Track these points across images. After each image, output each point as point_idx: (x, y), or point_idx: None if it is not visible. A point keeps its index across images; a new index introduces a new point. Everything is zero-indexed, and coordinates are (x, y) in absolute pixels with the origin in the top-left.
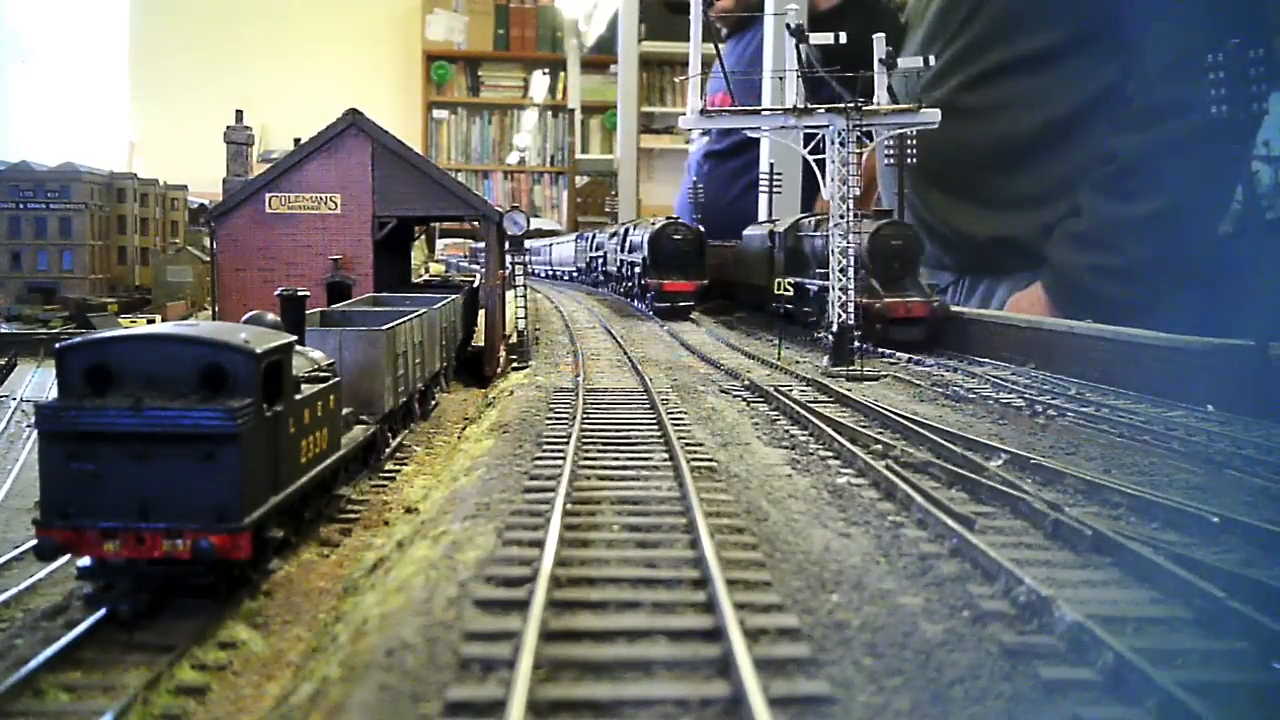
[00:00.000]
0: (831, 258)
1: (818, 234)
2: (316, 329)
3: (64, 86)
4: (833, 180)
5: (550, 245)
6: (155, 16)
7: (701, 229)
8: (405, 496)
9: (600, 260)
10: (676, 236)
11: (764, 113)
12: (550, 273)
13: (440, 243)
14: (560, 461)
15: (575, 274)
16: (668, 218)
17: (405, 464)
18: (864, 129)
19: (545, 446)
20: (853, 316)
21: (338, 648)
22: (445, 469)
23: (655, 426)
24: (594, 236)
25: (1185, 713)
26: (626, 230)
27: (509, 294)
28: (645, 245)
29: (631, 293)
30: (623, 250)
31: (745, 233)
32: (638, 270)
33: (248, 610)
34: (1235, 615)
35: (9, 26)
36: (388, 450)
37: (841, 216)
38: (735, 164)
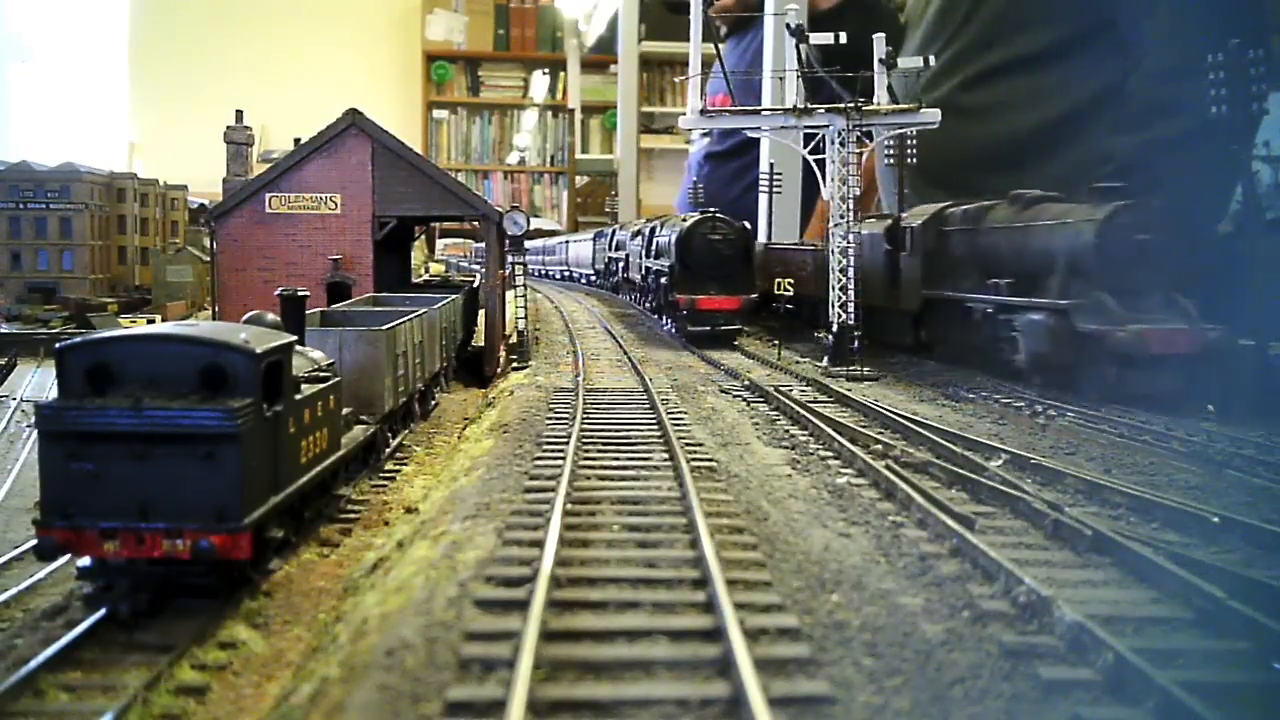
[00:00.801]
0: (831, 257)
1: (986, 227)
2: (316, 329)
3: (64, 86)
4: (833, 180)
5: (566, 243)
6: (155, 16)
7: (747, 225)
8: (405, 496)
9: (621, 264)
10: (714, 237)
11: (764, 113)
12: (566, 274)
13: (440, 243)
14: (560, 461)
15: (593, 277)
16: (703, 211)
17: (405, 464)
18: (864, 129)
19: (545, 446)
20: (853, 316)
21: (338, 648)
22: (445, 469)
23: (655, 426)
24: (614, 234)
25: (1186, 713)
26: (653, 229)
27: (509, 294)
28: (674, 248)
29: (660, 308)
30: (648, 254)
31: None
32: (664, 281)
33: (248, 610)
34: (1235, 615)
35: (9, 26)
36: (388, 450)
37: (841, 216)
38: (737, 164)
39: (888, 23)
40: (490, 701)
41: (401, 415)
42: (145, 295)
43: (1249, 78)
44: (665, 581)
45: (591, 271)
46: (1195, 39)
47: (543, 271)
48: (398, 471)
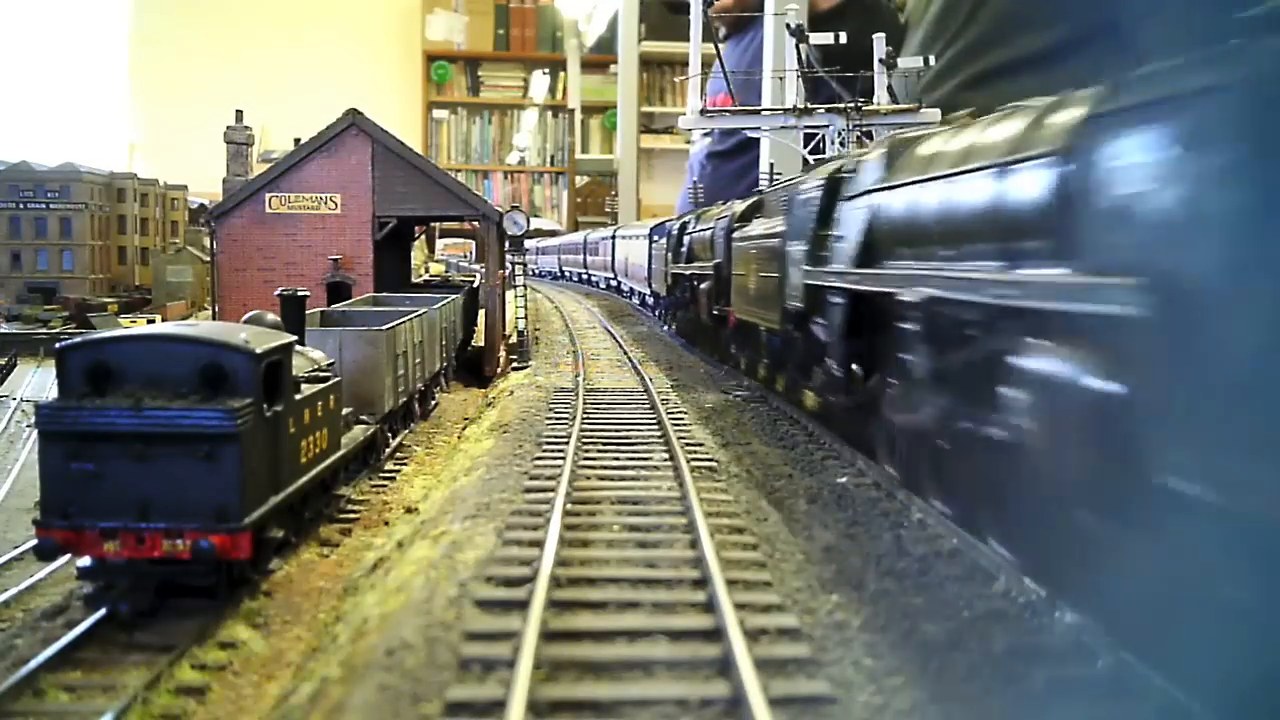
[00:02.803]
0: None
1: None
2: (316, 329)
3: (64, 86)
4: None
5: (613, 240)
6: (155, 16)
7: None
8: (405, 496)
9: (704, 289)
10: None
11: (764, 113)
12: (614, 284)
13: (440, 243)
14: (560, 461)
15: (649, 300)
16: None
17: (405, 464)
18: (864, 129)
19: (545, 446)
20: None
21: (338, 648)
22: (445, 469)
23: (655, 426)
24: (681, 233)
25: (1186, 713)
26: (834, 177)
27: (509, 294)
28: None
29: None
30: (817, 241)
31: None
32: None
33: (248, 610)
34: None
35: (7, 27)
36: (388, 450)
37: None
38: (738, 164)
39: (888, 23)
40: (490, 701)
41: (401, 415)
42: (145, 295)
43: None
44: (665, 581)
45: (648, 290)
46: (1195, 39)
47: (584, 276)
48: (398, 471)
